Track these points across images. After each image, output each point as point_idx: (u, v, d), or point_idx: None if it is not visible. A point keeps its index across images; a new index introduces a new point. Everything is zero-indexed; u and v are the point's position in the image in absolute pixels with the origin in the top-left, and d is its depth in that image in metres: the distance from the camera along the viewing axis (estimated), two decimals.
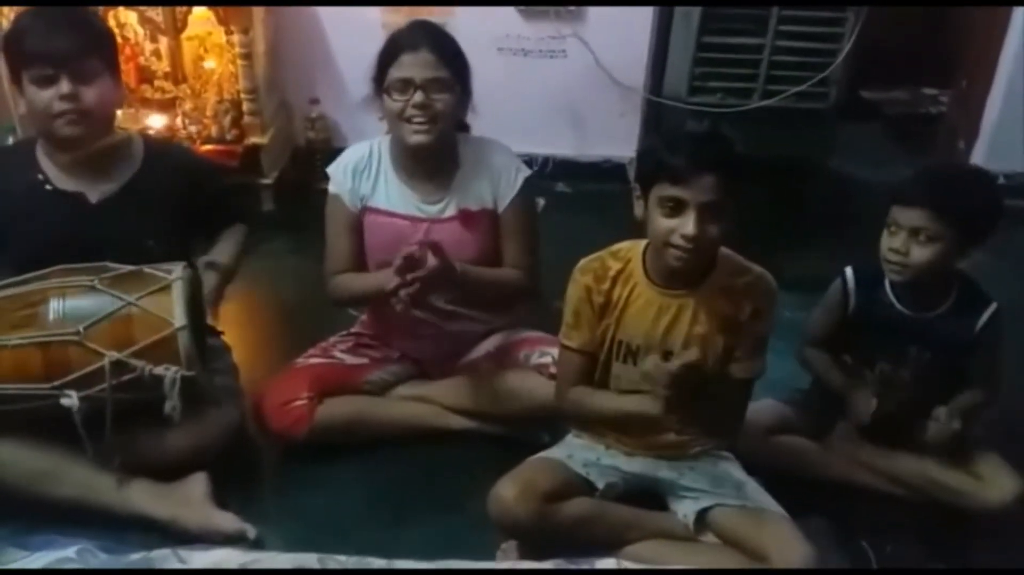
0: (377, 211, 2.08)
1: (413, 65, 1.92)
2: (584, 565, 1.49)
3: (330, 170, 2.11)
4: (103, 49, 1.88)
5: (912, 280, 1.86)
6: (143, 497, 1.85)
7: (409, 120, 1.93)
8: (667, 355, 1.69)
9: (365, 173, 2.07)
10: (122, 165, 1.94)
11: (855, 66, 3.07)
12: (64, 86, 1.79)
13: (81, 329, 1.72)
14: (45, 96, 1.81)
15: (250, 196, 3.08)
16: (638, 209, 1.68)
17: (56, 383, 1.72)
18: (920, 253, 1.81)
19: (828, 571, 1.65)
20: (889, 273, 1.88)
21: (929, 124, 4.07)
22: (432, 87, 1.92)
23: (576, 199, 3.45)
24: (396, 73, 1.92)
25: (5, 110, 2.86)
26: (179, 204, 1.97)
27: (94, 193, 1.92)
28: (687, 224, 1.57)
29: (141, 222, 1.92)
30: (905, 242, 1.82)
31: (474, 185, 2.07)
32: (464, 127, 2.13)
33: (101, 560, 1.54)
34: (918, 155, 3.75)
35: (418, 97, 1.91)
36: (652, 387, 1.60)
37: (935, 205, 1.79)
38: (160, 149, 2.07)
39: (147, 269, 1.83)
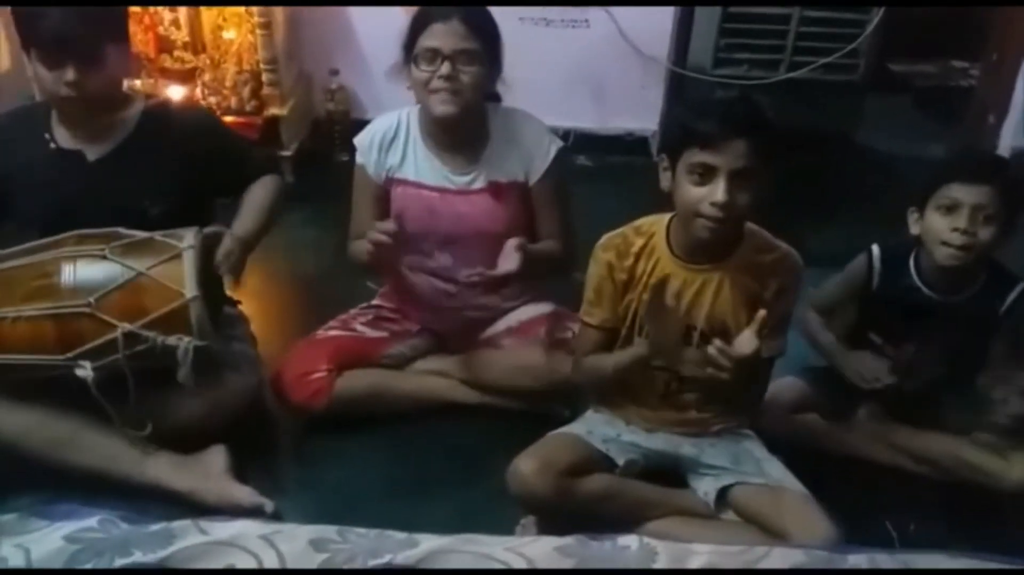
0: (406, 182, 2.06)
1: (443, 35, 1.89)
2: (606, 541, 1.48)
3: (357, 140, 2.10)
4: (112, 31, 1.83)
5: (964, 264, 1.80)
6: (162, 468, 1.86)
7: (435, 91, 1.91)
8: (690, 330, 1.67)
9: (393, 144, 2.06)
10: (119, 126, 1.92)
11: (884, 38, 3.03)
12: (69, 73, 1.76)
13: (92, 300, 1.72)
14: (50, 76, 1.78)
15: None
16: (664, 180, 1.65)
17: (70, 354, 1.73)
18: (985, 232, 1.76)
19: (841, 571, 1.63)
20: (945, 258, 1.79)
21: (959, 97, 3.99)
22: (460, 58, 1.89)
23: (598, 172, 3.41)
24: (425, 42, 1.90)
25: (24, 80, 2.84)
26: (179, 164, 1.92)
27: (92, 152, 1.90)
28: (717, 191, 1.53)
29: (137, 183, 1.90)
30: (970, 221, 1.75)
31: (504, 157, 2.05)
32: (496, 97, 2.10)
33: (122, 530, 1.54)
34: (947, 129, 3.69)
35: (445, 68, 1.89)
36: (714, 372, 1.57)
37: (999, 182, 1.74)
38: (159, 111, 1.99)
39: (159, 237, 1.81)
